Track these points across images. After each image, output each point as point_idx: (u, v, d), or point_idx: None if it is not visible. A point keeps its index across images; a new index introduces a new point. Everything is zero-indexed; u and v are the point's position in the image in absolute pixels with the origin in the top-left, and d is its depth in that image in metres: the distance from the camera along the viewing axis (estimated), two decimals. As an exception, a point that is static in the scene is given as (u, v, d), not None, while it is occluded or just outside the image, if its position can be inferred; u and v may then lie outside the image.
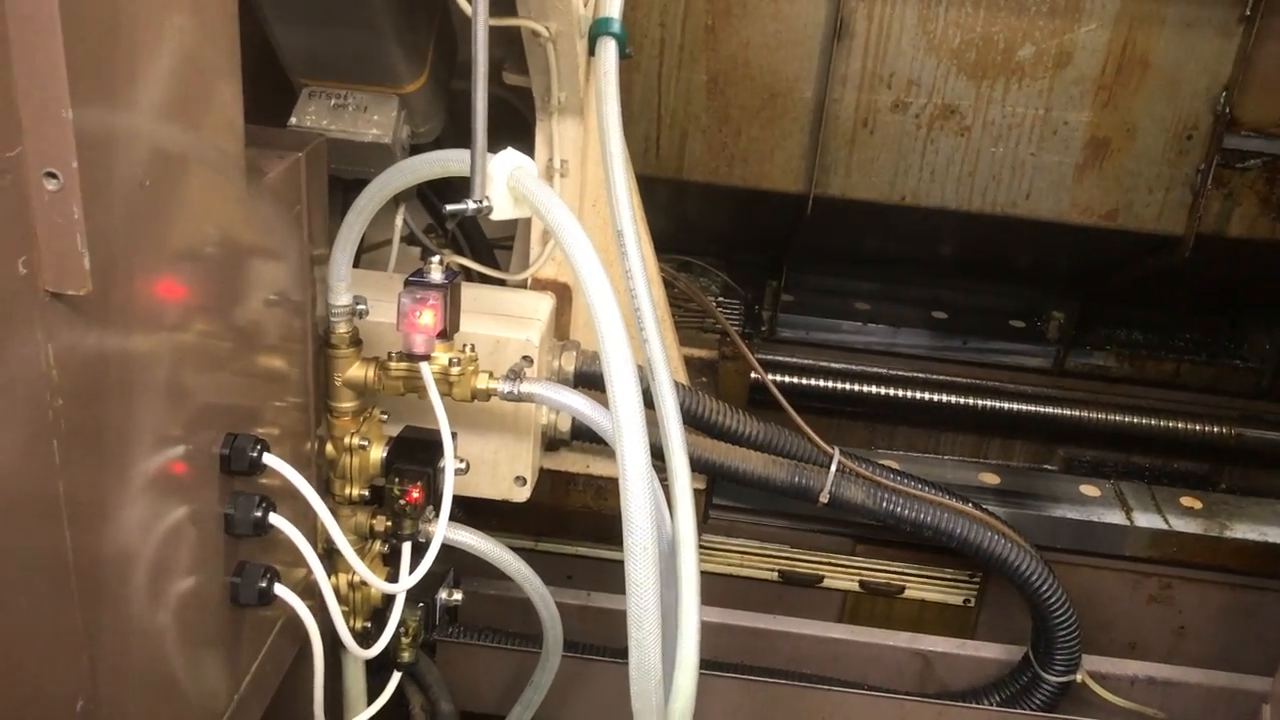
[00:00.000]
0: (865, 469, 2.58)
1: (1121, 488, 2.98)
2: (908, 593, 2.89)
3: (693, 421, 2.48)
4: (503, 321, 2.24)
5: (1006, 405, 3.29)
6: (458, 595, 2.19)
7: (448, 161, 1.71)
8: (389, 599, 2.03)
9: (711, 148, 2.99)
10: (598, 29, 1.98)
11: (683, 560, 1.81)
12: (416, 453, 1.99)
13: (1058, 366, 3.48)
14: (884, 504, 2.55)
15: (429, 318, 1.79)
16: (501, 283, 2.45)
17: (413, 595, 2.10)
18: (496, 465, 2.30)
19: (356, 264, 2.50)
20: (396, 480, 1.95)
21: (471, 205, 1.61)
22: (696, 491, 2.56)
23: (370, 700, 2.21)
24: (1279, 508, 3.01)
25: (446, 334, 1.85)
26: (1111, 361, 3.51)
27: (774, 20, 2.82)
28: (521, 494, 2.31)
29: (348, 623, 2.12)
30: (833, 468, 2.53)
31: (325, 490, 2.05)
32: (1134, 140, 2.87)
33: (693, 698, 1.88)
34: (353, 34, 1.96)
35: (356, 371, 1.95)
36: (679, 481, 1.83)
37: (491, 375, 1.97)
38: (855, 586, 2.89)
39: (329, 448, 2.01)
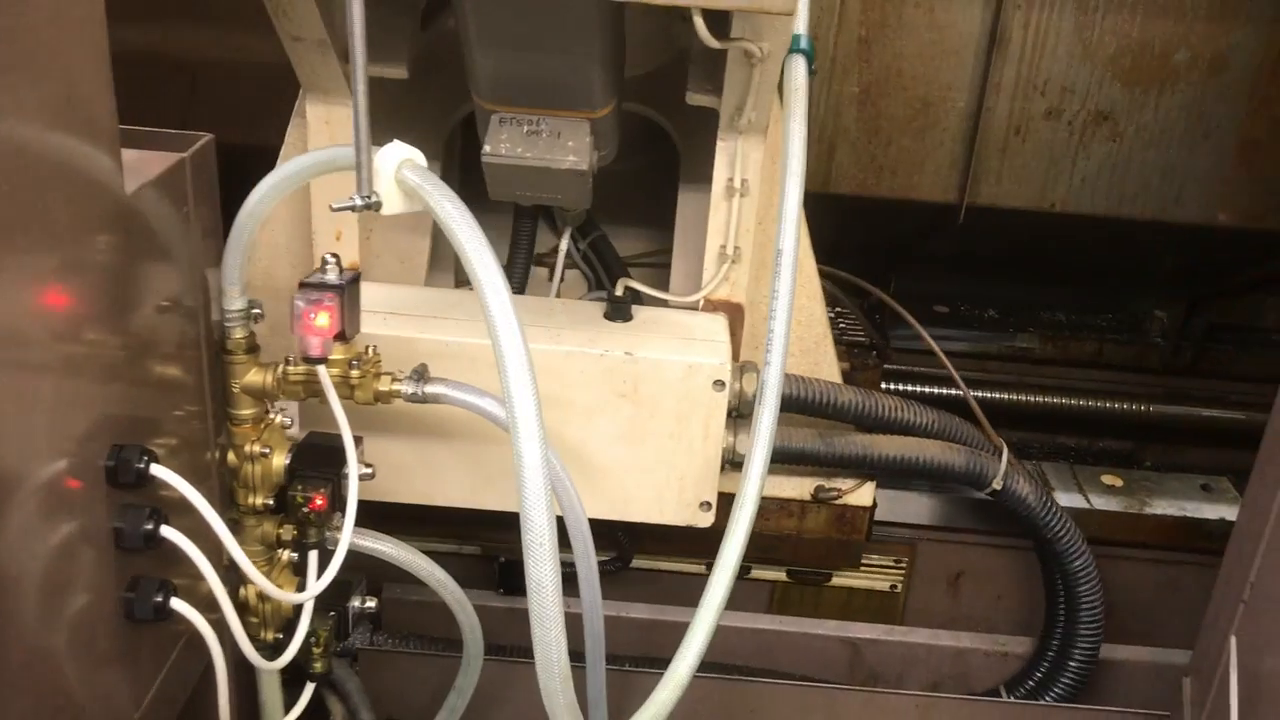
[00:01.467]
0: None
1: (1044, 468, 3.00)
2: (835, 581, 2.89)
3: (867, 421, 2.52)
4: (689, 346, 2.24)
5: (934, 390, 3.30)
6: (372, 603, 2.15)
7: (336, 158, 1.67)
8: (299, 608, 1.98)
9: (860, 160, 3.00)
10: (789, 46, 1.96)
11: (715, 579, 1.88)
12: (320, 459, 1.95)
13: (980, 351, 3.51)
14: (1046, 502, 2.62)
15: (324, 319, 1.75)
16: (664, 303, 2.43)
17: (324, 604, 2.06)
18: (683, 490, 2.29)
19: (515, 290, 2.52)
20: (299, 488, 1.91)
21: (358, 201, 1.57)
22: (862, 509, 2.64)
23: (286, 712, 2.17)
24: (1199, 482, 3.05)
25: (345, 336, 1.81)
26: (1035, 343, 3.54)
27: (929, 30, 2.86)
28: (706, 520, 2.30)
29: (259, 634, 2.07)
30: (1004, 457, 2.58)
31: (230, 500, 2.01)
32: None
33: (663, 713, 1.91)
34: (562, 60, 1.89)
35: (255, 377, 1.91)
36: (745, 510, 1.88)
37: (395, 377, 1.93)
38: (783, 576, 2.88)
39: (231, 456, 1.96)
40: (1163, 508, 2.90)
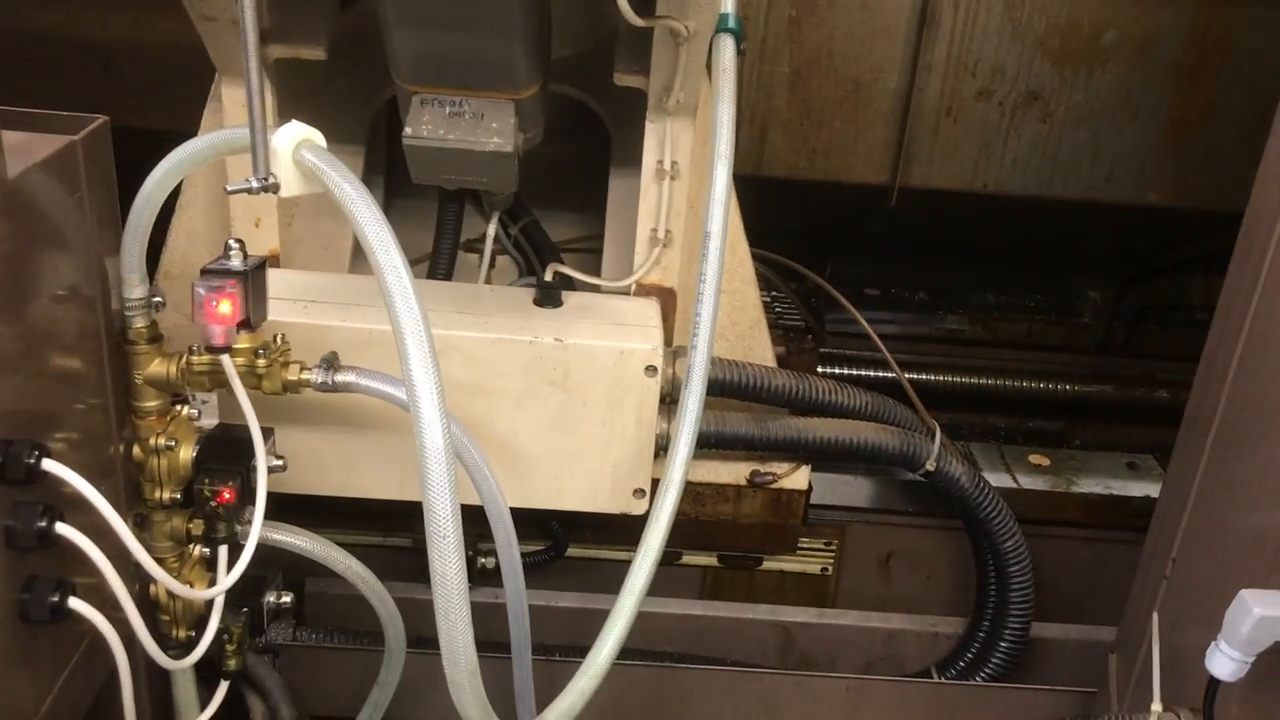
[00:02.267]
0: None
1: (971, 448, 3.01)
2: (766, 564, 2.88)
3: (801, 405, 2.51)
4: (620, 331, 2.21)
5: (869, 373, 3.30)
6: (287, 598, 2.11)
7: (234, 139, 1.61)
8: (210, 605, 1.93)
9: (792, 142, 2.97)
10: (716, 25, 1.93)
11: (637, 564, 1.89)
12: (228, 451, 1.89)
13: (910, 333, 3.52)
14: (978, 482, 2.62)
15: (227, 307, 1.69)
16: (595, 289, 2.40)
17: (236, 600, 2.01)
18: (616, 478, 2.27)
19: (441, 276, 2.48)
20: (206, 481, 1.85)
21: (255, 183, 1.52)
22: (798, 493, 2.63)
23: (203, 711, 2.11)
24: (1125, 461, 3.07)
25: (250, 324, 1.75)
26: (965, 325, 3.56)
27: (860, 10, 2.85)
28: (641, 507, 2.28)
29: (171, 632, 2.03)
30: (937, 438, 2.58)
31: (137, 495, 1.94)
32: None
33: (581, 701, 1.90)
34: (484, 39, 1.83)
35: (158, 368, 1.85)
36: (669, 496, 1.89)
37: (304, 366, 1.88)
38: (714, 561, 2.86)
39: (136, 450, 1.90)
40: (1089, 486, 2.92)
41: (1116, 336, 3.59)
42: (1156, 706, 2.08)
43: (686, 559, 2.85)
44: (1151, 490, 2.90)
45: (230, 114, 2.19)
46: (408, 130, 1.94)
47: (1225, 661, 1.72)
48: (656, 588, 2.84)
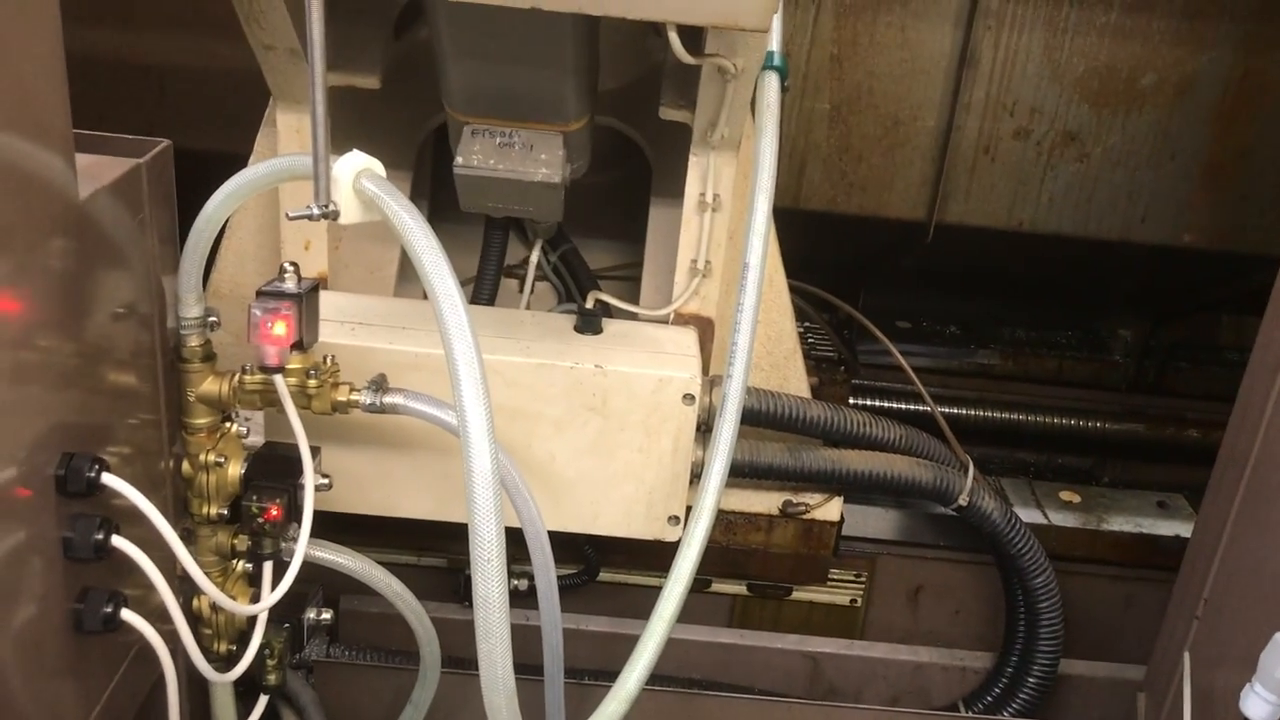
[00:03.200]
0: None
1: (1002, 483, 3.02)
2: (795, 595, 2.89)
3: (835, 436, 2.54)
4: (659, 359, 2.24)
5: (900, 405, 3.32)
6: (327, 614, 2.14)
7: (294, 166, 1.65)
8: (253, 620, 1.96)
9: (830, 176, 3.01)
10: (762, 63, 1.97)
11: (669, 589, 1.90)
12: (276, 469, 1.93)
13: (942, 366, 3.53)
14: (1010, 518, 2.64)
15: (282, 328, 1.73)
16: (634, 317, 2.43)
17: (278, 616, 2.04)
18: (651, 504, 2.29)
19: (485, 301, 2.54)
20: (254, 498, 1.89)
21: (316, 210, 1.56)
22: (829, 524, 2.65)
23: (240, 725, 2.15)
24: (1155, 499, 3.08)
25: (303, 345, 1.79)
26: (996, 360, 3.57)
27: (901, 49, 2.88)
28: (675, 533, 2.30)
29: (213, 645, 2.05)
30: (970, 472, 2.60)
31: (184, 510, 1.98)
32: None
33: None
34: (537, 73, 1.89)
35: (210, 386, 1.89)
36: (701, 523, 1.91)
37: (353, 387, 1.91)
38: (744, 590, 2.88)
39: (185, 466, 1.94)
40: (1119, 524, 2.92)
41: (1147, 375, 3.59)
42: (1187, 746, 2.09)
43: (716, 587, 2.87)
44: (1182, 529, 2.91)
45: (284, 139, 2.24)
46: (459, 160, 1.98)
47: (1260, 704, 1.73)
48: (685, 615, 2.85)
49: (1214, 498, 2.26)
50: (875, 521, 2.92)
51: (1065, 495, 3.00)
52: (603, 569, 2.78)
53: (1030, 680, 2.75)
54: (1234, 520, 2.16)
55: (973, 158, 2.99)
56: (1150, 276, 3.38)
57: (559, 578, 2.64)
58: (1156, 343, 3.59)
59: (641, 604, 2.02)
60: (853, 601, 2.93)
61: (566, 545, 2.66)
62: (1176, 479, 3.29)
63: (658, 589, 1.96)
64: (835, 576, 2.88)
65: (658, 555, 2.36)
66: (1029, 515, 2.88)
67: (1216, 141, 2.95)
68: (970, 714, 2.82)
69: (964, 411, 3.37)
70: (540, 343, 2.24)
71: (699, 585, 2.86)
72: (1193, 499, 3.04)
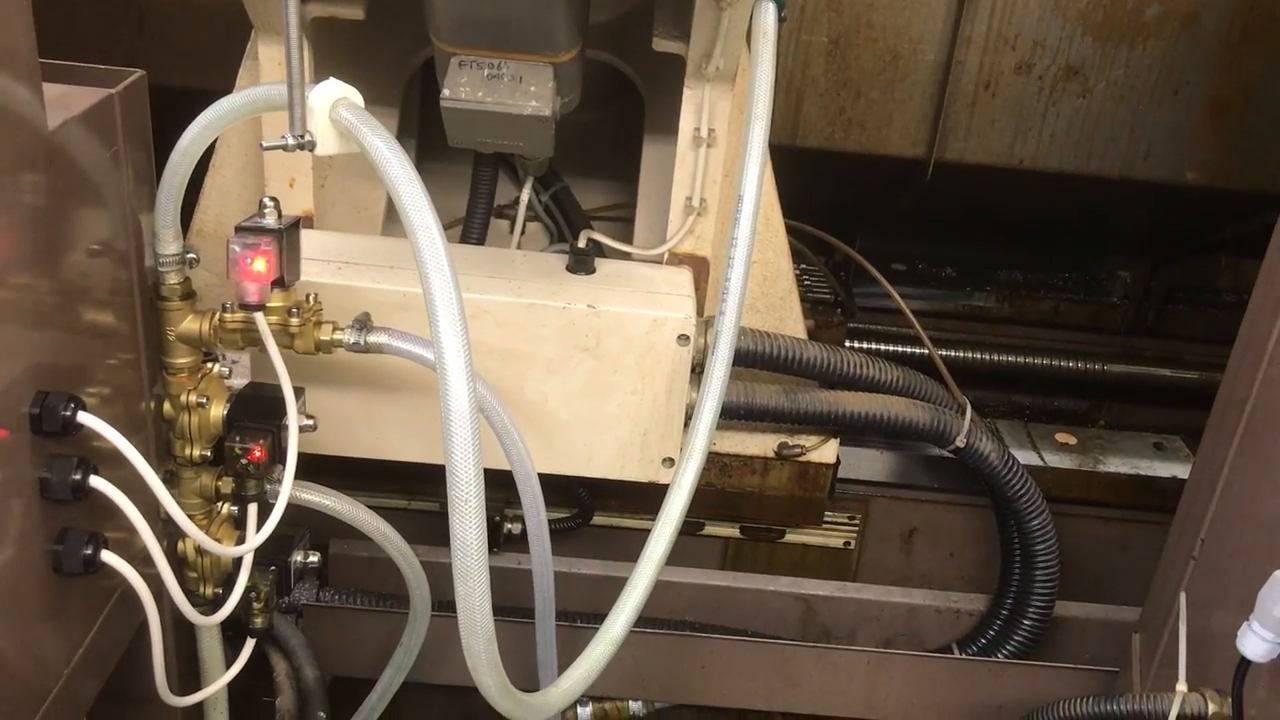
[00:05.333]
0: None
1: (998, 426, 3.00)
2: (789, 537, 2.88)
3: (831, 378, 2.50)
4: (653, 300, 2.20)
5: (898, 348, 3.28)
6: (314, 558, 2.11)
7: (270, 96, 1.60)
8: (238, 563, 1.94)
9: (828, 112, 2.94)
10: None
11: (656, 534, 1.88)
12: (259, 410, 1.89)
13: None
14: (1007, 460, 2.61)
15: (262, 265, 1.69)
16: (627, 256, 2.38)
17: (264, 559, 2.02)
18: (645, 446, 2.26)
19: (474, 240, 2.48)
20: (237, 439, 1.85)
21: (291, 140, 1.51)
22: (825, 466, 2.63)
23: (228, 668, 2.13)
24: (1152, 441, 3.05)
25: (284, 282, 1.75)
26: (992, 302, 3.53)
27: None
28: (669, 476, 2.24)
29: (198, 589, 2.04)
30: (968, 414, 2.57)
31: (166, 452, 1.95)
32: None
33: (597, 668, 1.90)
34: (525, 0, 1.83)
35: (190, 325, 1.85)
36: (691, 464, 1.88)
37: (336, 326, 1.87)
38: (736, 533, 2.86)
39: (167, 406, 1.91)
40: (1116, 465, 2.90)
41: (1146, 317, 3.55)
42: (1182, 686, 2.08)
43: (709, 529, 2.85)
44: (1179, 471, 2.89)
45: (267, 72, 2.18)
46: (445, 92, 1.93)
47: (1257, 642, 1.71)
48: (678, 557, 2.85)
49: (1213, 438, 2.24)
50: (869, 464, 2.89)
51: (1061, 437, 2.98)
52: (597, 512, 2.76)
53: (1025, 623, 2.74)
54: (1232, 460, 2.13)
55: (973, 93, 2.92)
56: (1152, 216, 3.33)
57: (553, 521, 2.63)
58: (1156, 285, 3.54)
59: (635, 548, 2.00)
60: (846, 544, 2.91)
61: (560, 488, 2.64)
62: (1172, 422, 3.27)
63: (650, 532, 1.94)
64: (829, 519, 2.86)
65: (652, 498, 2.33)
66: (1025, 457, 2.86)
67: (1222, 76, 2.88)
68: (964, 656, 2.81)
69: (960, 354, 3.34)
70: (532, 283, 2.20)
71: (691, 528, 2.85)
72: (1190, 441, 3.02)
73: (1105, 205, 3.24)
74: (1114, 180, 3.03)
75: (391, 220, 2.53)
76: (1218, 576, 2.14)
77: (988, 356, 3.35)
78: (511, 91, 1.92)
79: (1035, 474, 2.82)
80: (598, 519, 2.77)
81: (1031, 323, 3.52)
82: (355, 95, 1.56)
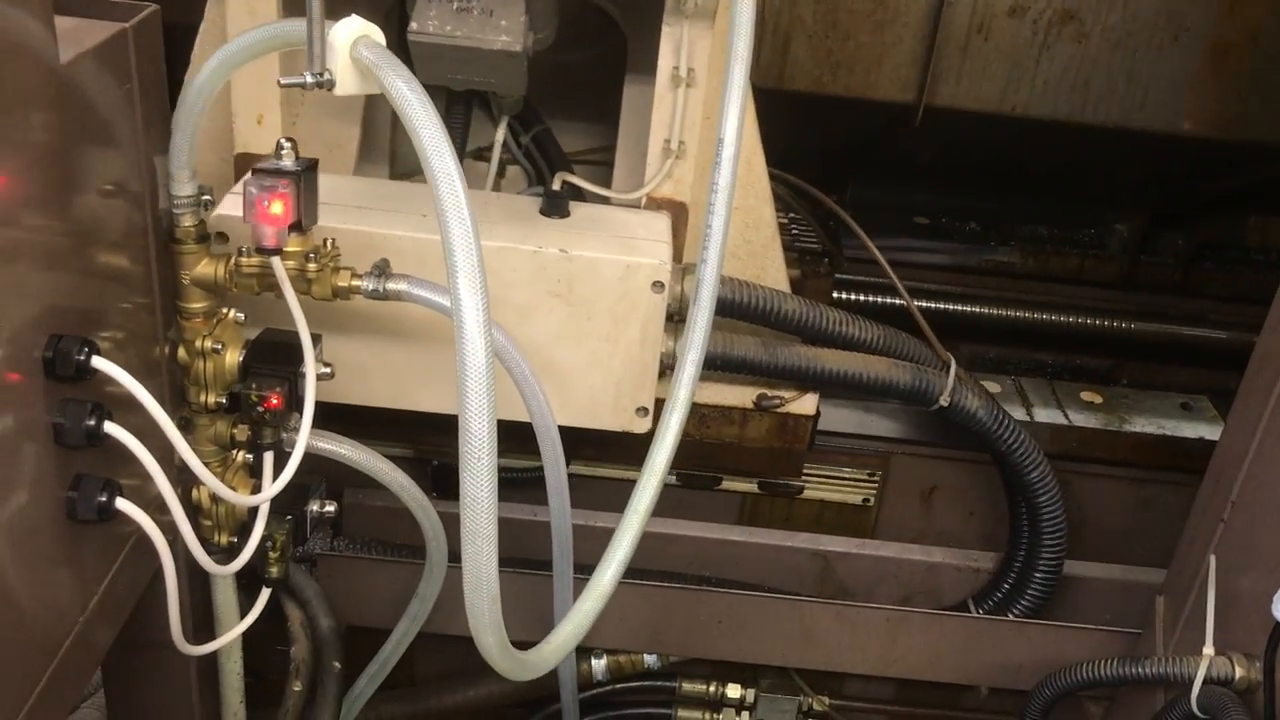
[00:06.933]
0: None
1: (1023, 383, 2.95)
2: (807, 493, 2.85)
3: (811, 333, 2.44)
4: (628, 245, 2.13)
5: (887, 300, 3.20)
6: (330, 507, 2.08)
7: (287, 33, 1.55)
8: (254, 512, 1.91)
9: (816, 54, 2.84)
10: None
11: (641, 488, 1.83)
12: (276, 356, 1.86)
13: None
14: (997, 414, 2.56)
15: (279, 207, 1.64)
16: (605, 200, 2.31)
17: (280, 507, 1.99)
18: (619, 395, 2.21)
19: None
20: (253, 386, 1.82)
21: (310, 79, 1.46)
22: (805, 418, 2.55)
23: (243, 617, 2.11)
24: (1177, 401, 3.01)
25: (301, 226, 1.71)
26: (1016, 258, 3.47)
27: None
28: (643, 425, 2.22)
29: (213, 537, 2.01)
30: (952, 371, 2.51)
31: (181, 398, 1.92)
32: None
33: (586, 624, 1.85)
34: None
35: (206, 269, 1.81)
36: (675, 414, 1.83)
37: (354, 273, 1.83)
38: (754, 488, 2.83)
39: (181, 352, 1.87)
40: (1142, 425, 2.85)
41: (1173, 275, 3.48)
42: (1209, 649, 2.05)
43: (726, 484, 2.82)
44: (1206, 432, 2.84)
45: (234, 7, 2.09)
46: (413, 25, 1.87)
47: (1293, 607, 1.68)
48: (694, 511, 2.84)
49: (1246, 399, 2.20)
50: (888, 421, 2.85)
51: (1086, 395, 2.93)
52: (572, 461, 2.69)
53: (1037, 576, 2.70)
54: (1266, 422, 2.09)
55: (965, 37, 2.81)
56: (1147, 167, 3.22)
57: (523, 470, 2.58)
58: (1183, 243, 3.47)
59: (612, 497, 1.95)
60: (865, 501, 2.88)
61: (531, 436, 2.59)
62: (1197, 381, 3.22)
63: (629, 481, 1.89)
64: (848, 475, 2.83)
65: (629, 448, 2.28)
66: (1050, 415, 2.82)
67: (1223, 20, 2.77)
68: (979, 613, 2.78)
69: (983, 310, 3.28)
70: (503, 225, 2.13)
71: (707, 482, 2.82)
72: (1217, 401, 2.97)
73: (1101, 155, 3.14)
74: (1109, 129, 2.93)
75: (365, 161, 2.45)
76: (1248, 540, 2.11)
77: (1011, 313, 3.30)
78: (481, 26, 1.87)
79: (1059, 432, 2.78)
80: (573, 468, 2.70)
81: (1056, 279, 3.45)
82: (377, 33, 1.51)
